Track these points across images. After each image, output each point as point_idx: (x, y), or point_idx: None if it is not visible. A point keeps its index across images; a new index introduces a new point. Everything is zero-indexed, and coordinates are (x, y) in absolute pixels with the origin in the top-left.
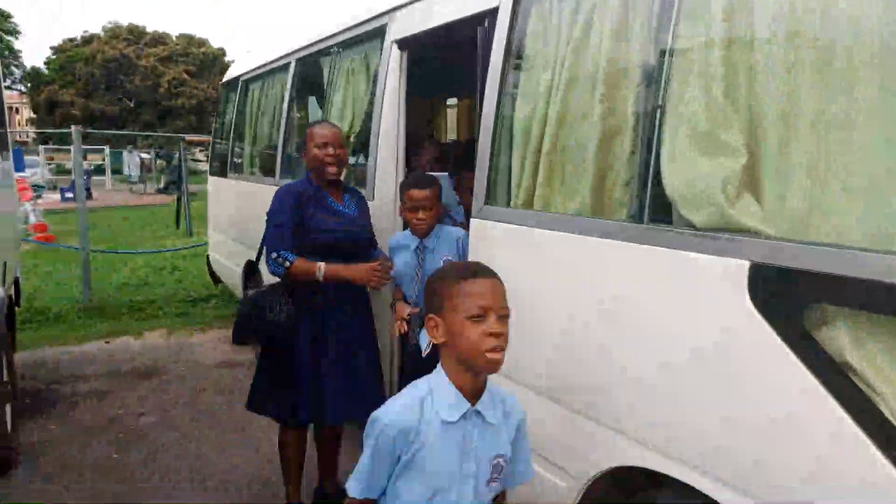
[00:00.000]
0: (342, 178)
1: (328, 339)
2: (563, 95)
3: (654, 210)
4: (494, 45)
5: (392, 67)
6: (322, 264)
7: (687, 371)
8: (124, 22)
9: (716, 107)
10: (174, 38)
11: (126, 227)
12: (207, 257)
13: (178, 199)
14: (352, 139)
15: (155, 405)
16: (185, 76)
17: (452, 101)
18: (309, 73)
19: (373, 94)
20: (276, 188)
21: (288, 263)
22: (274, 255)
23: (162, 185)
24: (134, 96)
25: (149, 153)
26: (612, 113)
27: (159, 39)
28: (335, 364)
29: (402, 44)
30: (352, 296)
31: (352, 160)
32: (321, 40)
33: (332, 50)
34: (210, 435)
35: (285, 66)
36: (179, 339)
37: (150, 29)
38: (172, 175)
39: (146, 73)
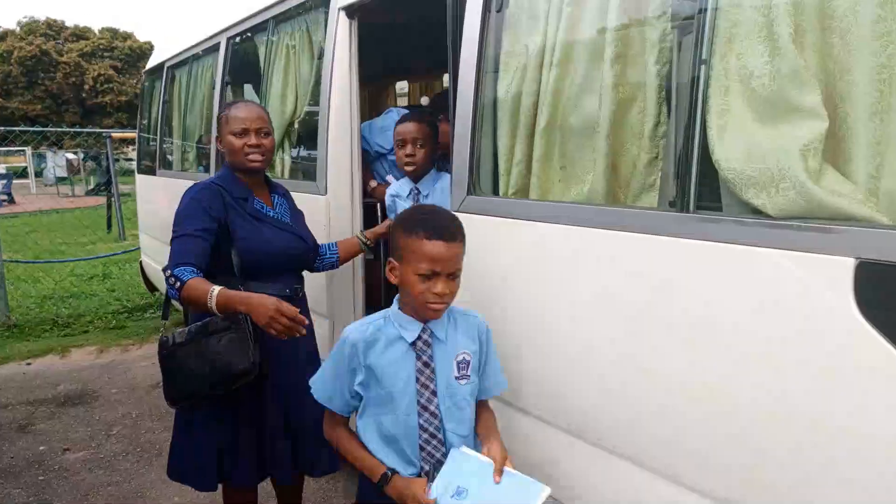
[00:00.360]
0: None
1: (271, 373)
2: (563, 55)
3: (702, 194)
4: (469, 2)
5: (340, 39)
6: (216, 289)
7: (767, 405)
8: (41, 16)
9: (782, 56)
10: (97, 33)
11: (51, 234)
12: (140, 263)
13: (109, 201)
14: (296, 126)
15: (83, 437)
16: (112, 72)
17: (402, 86)
18: (242, 52)
19: (318, 72)
20: None
21: (179, 284)
22: (167, 272)
23: (91, 187)
24: (57, 95)
25: (76, 153)
26: (632, 73)
27: (81, 34)
28: (282, 406)
29: (350, 10)
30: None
31: (300, 151)
32: (255, 14)
33: (267, 24)
34: (149, 471)
35: (215, 48)
36: (112, 357)
37: (69, 23)
38: (102, 176)
39: (69, 69)
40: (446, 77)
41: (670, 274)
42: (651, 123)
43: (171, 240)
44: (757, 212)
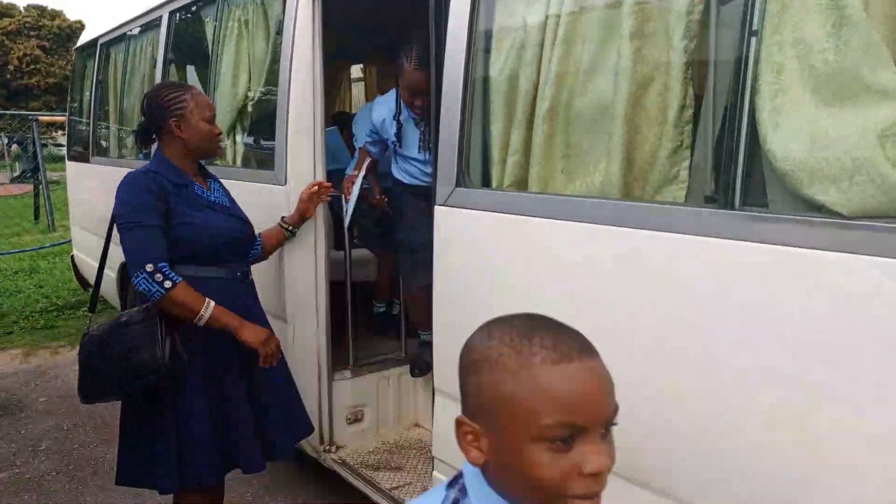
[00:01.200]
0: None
1: (226, 373)
2: (569, 30)
3: (748, 190)
4: None
5: (302, 13)
6: (211, 302)
7: (834, 441)
8: None
9: (851, 28)
10: (22, 10)
11: None
12: (72, 258)
13: (36, 190)
14: (250, 109)
15: (6, 455)
16: (39, 52)
17: (357, 69)
18: (188, 28)
19: (276, 50)
20: None
21: (169, 284)
22: (149, 267)
23: (17, 174)
24: None
25: None
26: (654, 50)
27: (4, 12)
28: (241, 403)
29: None
30: (249, 307)
31: (256, 137)
32: None
33: None
34: (84, 492)
35: (156, 23)
36: (41, 361)
37: None
38: (29, 162)
39: None
40: (355, 69)
41: (713, 282)
42: (676, 107)
43: (128, 228)
44: (818, 209)
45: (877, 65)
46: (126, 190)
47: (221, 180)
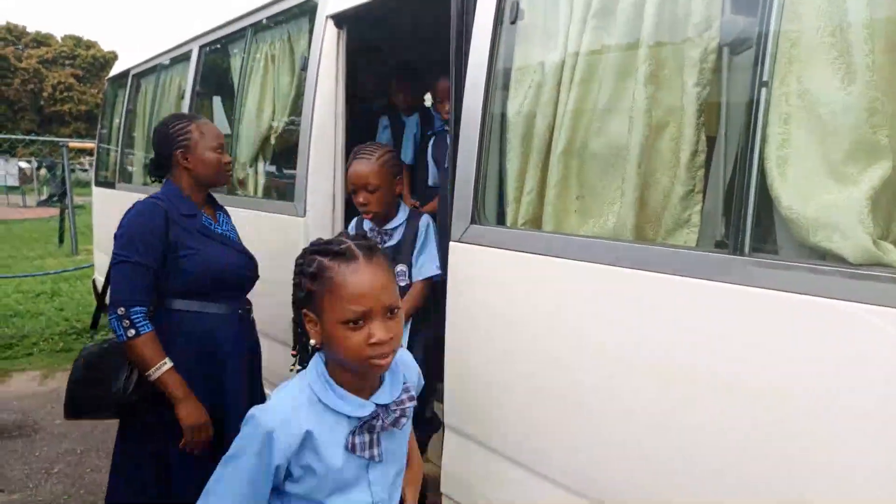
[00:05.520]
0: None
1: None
2: (586, 73)
3: (757, 236)
4: (480, 6)
5: (326, 50)
6: (165, 365)
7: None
8: (1, 20)
9: (856, 84)
10: (59, 40)
11: None
12: (93, 281)
13: (63, 213)
14: (272, 140)
15: (20, 477)
16: (72, 80)
17: None
18: (216, 61)
19: (301, 84)
20: None
21: (133, 333)
22: (121, 310)
23: (44, 197)
24: (14, 101)
25: (29, 162)
26: (667, 95)
27: (42, 40)
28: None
29: (339, 19)
30: (252, 349)
31: (276, 169)
32: (231, 21)
33: (245, 32)
34: None
35: (185, 56)
36: (58, 383)
37: (31, 29)
38: (56, 186)
39: (27, 76)
40: (427, 97)
41: (721, 327)
42: (689, 151)
43: (115, 261)
44: (823, 257)
45: (877, 122)
46: (127, 219)
47: (234, 211)
